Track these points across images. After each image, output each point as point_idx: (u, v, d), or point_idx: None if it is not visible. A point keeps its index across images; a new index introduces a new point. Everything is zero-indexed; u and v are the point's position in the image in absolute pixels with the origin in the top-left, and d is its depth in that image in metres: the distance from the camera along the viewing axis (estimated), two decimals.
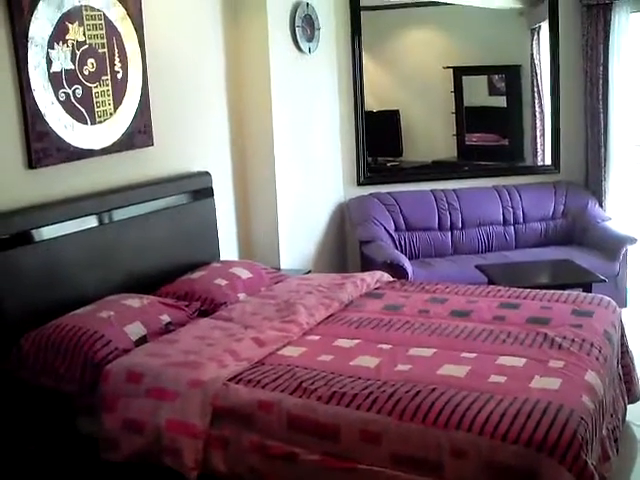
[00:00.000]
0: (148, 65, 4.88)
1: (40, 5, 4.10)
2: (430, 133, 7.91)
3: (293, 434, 3.30)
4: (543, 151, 7.55)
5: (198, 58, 5.44)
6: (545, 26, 7.26)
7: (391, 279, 5.29)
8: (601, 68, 6.92)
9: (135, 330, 4.04)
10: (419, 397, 3.25)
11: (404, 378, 3.49)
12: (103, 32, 4.53)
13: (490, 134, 7.94)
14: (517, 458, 2.91)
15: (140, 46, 4.81)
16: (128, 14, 4.70)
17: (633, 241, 6.48)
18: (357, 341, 4.03)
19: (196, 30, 5.41)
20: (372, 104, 7.17)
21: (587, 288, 5.39)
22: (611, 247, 6.50)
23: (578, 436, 2.93)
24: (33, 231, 4.07)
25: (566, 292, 4.74)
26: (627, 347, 4.52)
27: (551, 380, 3.40)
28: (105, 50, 4.56)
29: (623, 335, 4.48)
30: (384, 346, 3.93)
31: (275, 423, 3.33)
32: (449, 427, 3.07)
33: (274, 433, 3.33)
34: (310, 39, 6.18)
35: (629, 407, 4.41)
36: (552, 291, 4.76)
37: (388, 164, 7.68)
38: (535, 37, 7.41)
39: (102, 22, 4.52)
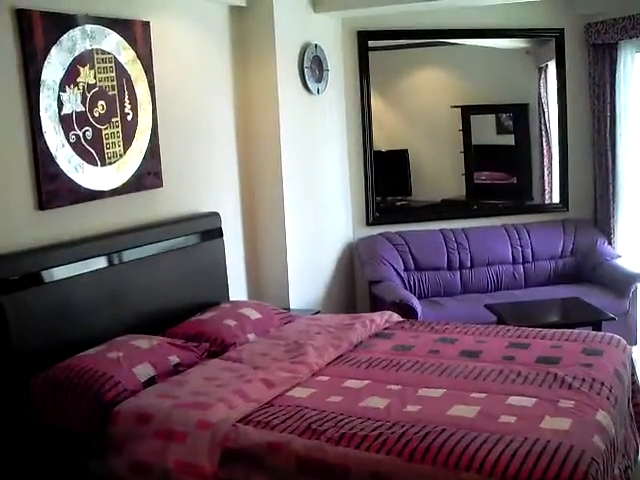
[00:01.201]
0: (158, 107, 4.93)
1: (53, 50, 4.16)
2: (439, 172, 7.90)
3: (302, 475, 3.28)
4: (551, 189, 7.56)
5: (208, 100, 5.48)
6: (552, 65, 7.32)
7: (400, 319, 5.29)
8: (608, 106, 6.97)
9: (144, 371, 4.03)
10: (429, 438, 3.24)
11: (414, 419, 3.48)
12: (113, 74, 4.59)
13: (499, 173, 7.95)
14: None
15: (150, 88, 4.86)
16: (138, 57, 4.75)
17: None
18: (366, 382, 4.02)
19: (205, 73, 5.47)
20: (381, 144, 7.19)
21: (597, 326, 5.38)
22: (621, 285, 6.49)
23: (589, 477, 2.91)
24: (43, 272, 4.08)
25: (576, 331, 4.73)
26: (638, 386, 4.49)
27: (562, 420, 3.38)
28: (115, 92, 4.60)
29: (634, 374, 4.45)
30: (393, 387, 3.92)
31: (284, 464, 3.31)
32: (459, 468, 3.05)
33: (283, 474, 3.31)
34: (319, 80, 6.23)
35: None
36: (562, 330, 4.75)
37: (397, 203, 7.68)
38: (542, 76, 7.45)
39: (112, 65, 4.57)
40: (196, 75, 5.37)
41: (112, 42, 4.57)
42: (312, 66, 6.12)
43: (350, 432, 3.36)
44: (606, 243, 7.06)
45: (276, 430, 3.45)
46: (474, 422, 3.42)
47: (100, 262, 4.44)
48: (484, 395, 3.74)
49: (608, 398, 3.68)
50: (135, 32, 4.74)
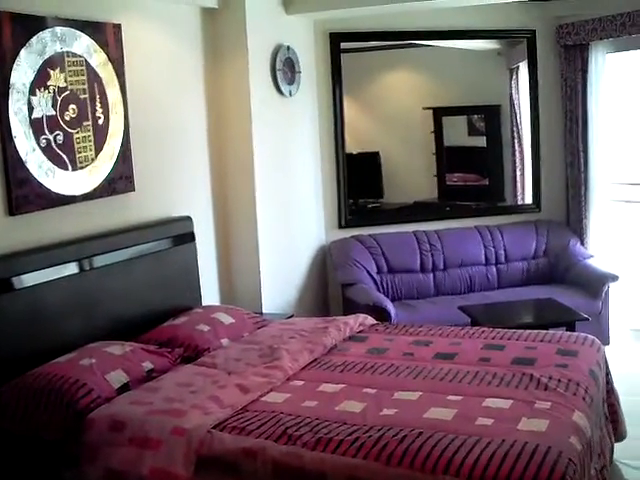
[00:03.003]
0: (130, 110, 4.89)
1: (23, 52, 4.10)
2: (411, 174, 7.90)
3: None
4: (523, 190, 7.59)
5: (179, 104, 5.45)
6: (523, 66, 7.34)
7: (374, 322, 5.27)
8: (580, 107, 7.01)
9: (117, 378, 3.99)
10: (406, 442, 3.23)
11: (390, 422, 3.46)
12: (84, 78, 4.53)
13: (470, 174, 7.96)
14: None
15: (121, 92, 4.81)
16: (109, 60, 4.70)
17: (615, 279, 6.50)
18: (342, 386, 4.00)
19: (177, 76, 5.43)
20: (352, 146, 7.18)
21: (571, 327, 5.41)
22: (593, 285, 6.52)
23: (567, 478, 2.91)
24: (14, 278, 4.02)
25: (550, 332, 4.75)
26: (612, 386, 4.52)
27: (538, 421, 3.38)
28: (86, 96, 4.55)
29: (608, 374, 4.48)
30: (369, 390, 3.91)
31: (260, 470, 3.28)
32: (437, 472, 3.04)
33: None
34: (291, 82, 6.20)
35: (616, 446, 4.40)
36: (536, 331, 4.76)
37: (369, 206, 7.66)
38: (514, 77, 7.47)
39: (83, 68, 4.52)
40: (168, 78, 5.33)
41: (83, 45, 4.51)
42: (284, 68, 6.09)
43: (326, 437, 3.34)
44: (578, 244, 7.09)
45: (252, 436, 3.42)
46: (451, 425, 3.41)
47: (72, 268, 4.39)
48: (460, 397, 3.73)
49: (584, 399, 3.69)
50: (106, 35, 4.69)
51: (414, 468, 3.08)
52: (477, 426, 3.38)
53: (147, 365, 4.20)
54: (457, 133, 7.91)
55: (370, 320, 5.26)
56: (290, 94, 6.21)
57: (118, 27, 4.79)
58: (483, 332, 4.82)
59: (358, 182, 7.22)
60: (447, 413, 3.54)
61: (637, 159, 7.19)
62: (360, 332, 5.01)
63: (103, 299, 4.58)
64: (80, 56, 4.50)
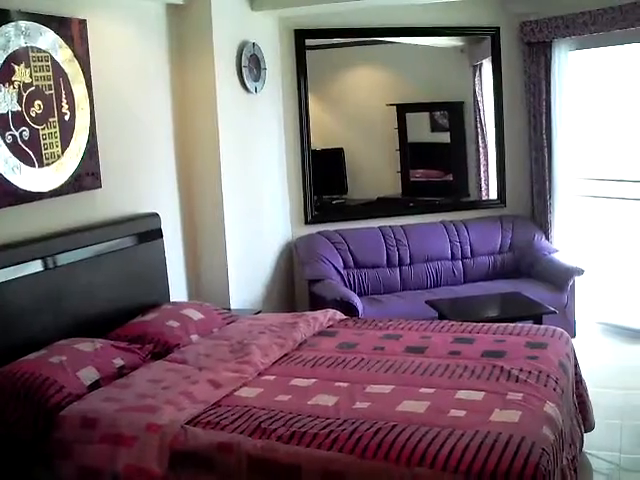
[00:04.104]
0: (96, 107, 4.84)
1: None
2: (375, 170, 7.92)
3: (254, 475, 3.26)
4: (487, 186, 7.63)
5: (146, 100, 5.42)
6: (486, 63, 7.39)
7: (343, 317, 5.29)
8: (544, 103, 7.08)
9: (88, 375, 3.97)
10: (380, 434, 3.24)
11: (364, 415, 3.48)
12: (50, 74, 4.48)
13: (434, 170, 7.99)
14: None
15: (87, 88, 4.76)
16: (75, 56, 4.65)
17: (580, 272, 6.57)
18: (313, 380, 4.01)
19: (143, 73, 5.39)
20: (316, 142, 7.16)
21: (537, 320, 5.45)
22: (559, 279, 6.58)
23: (541, 467, 2.94)
24: None
25: (519, 325, 4.79)
26: (581, 377, 4.57)
27: (511, 413, 3.41)
28: (52, 92, 4.50)
29: (576, 365, 4.53)
30: (341, 384, 3.92)
31: (235, 465, 3.28)
32: (412, 464, 3.06)
33: (234, 475, 3.28)
34: (256, 79, 6.19)
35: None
36: (505, 324, 4.80)
37: (333, 202, 7.65)
38: (477, 74, 7.52)
39: (49, 64, 4.47)
40: (134, 74, 5.30)
41: (48, 40, 4.46)
42: (250, 65, 6.08)
43: (300, 430, 3.35)
44: (543, 238, 7.16)
45: (226, 431, 3.42)
46: (424, 417, 3.43)
47: (39, 265, 4.35)
48: (433, 390, 3.76)
49: (555, 390, 3.73)
50: (72, 30, 4.64)
51: (389, 460, 3.10)
52: (450, 418, 3.40)
53: (118, 362, 4.18)
54: (421, 129, 7.94)
55: (339, 315, 5.28)
56: (256, 91, 6.20)
57: (83, 23, 4.74)
58: (452, 326, 4.86)
59: (322, 178, 7.21)
60: (420, 406, 3.56)
61: (600, 155, 7.26)
62: (330, 327, 5.03)
63: (71, 296, 4.54)
64: (45, 51, 4.45)
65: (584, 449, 4.47)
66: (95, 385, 3.94)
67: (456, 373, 3.98)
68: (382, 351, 4.45)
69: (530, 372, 3.88)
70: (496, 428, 3.24)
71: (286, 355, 4.47)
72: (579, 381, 4.54)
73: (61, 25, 4.57)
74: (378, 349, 4.49)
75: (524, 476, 2.89)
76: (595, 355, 6.22)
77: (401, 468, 3.06)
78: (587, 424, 4.53)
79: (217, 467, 3.30)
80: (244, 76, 6.00)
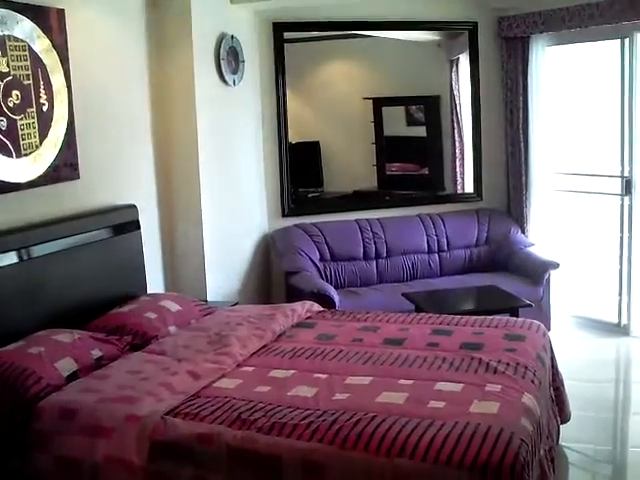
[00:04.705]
0: (74, 97, 4.81)
1: None
2: (350, 163, 7.94)
3: (234, 466, 3.25)
4: (463, 179, 7.67)
5: (124, 91, 5.39)
6: (463, 57, 7.42)
7: (321, 309, 5.31)
8: (521, 98, 7.12)
9: (66, 366, 3.95)
10: (360, 425, 3.25)
11: (343, 407, 3.48)
12: (28, 63, 4.44)
13: (410, 164, 8.02)
14: None
15: (66, 78, 4.73)
16: (53, 46, 4.62)
17: (556, 266, 6.62)
18: (292, 371, 4.02)
19: (122, 64, 5.37)
20: (292, 136, 7.13)
21: (514, 313, 5.47)
22: (534, 272, 6.63)
23: (520, 458, 2.97)
24: None
25: (496, 317, 4.82)
26: (557, 369, 4.61)
27: (490, 404, 3.43)
28: (30, 82, 4.47)
29: (553, 358, 4.56)
30: (320, 376, 3.93)
31: (215, 456, 3.28)
32: (392, 454, 3.07)
33: (214, 466, 3.28)
34: (235, 71, 6.18)
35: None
36: (482, 317, 4.83)
37: (309, 195, 7.66)
38: (454, 68, 7.55)
39: (26, 53, 4.43)
40: (112, 65, 5.27)
41: (25, 29, 4.42)
42: (228, 57, 6.07)
43: (280, 421, 3.35)
44: (519, 232, 7.20)
45: (205, 421, 3.42)
46: (404, 408, 3.45)
47: (15, 256, 4.32)
48: (412, 382, 3.77)
49: (532, 381, 3.76)
50: (50, 20, 4.60)
51: (369, 451, 3.11)
52: (430, 409, 3.42)
53: (96, 353, 4.17)
54: (397, 123, 7.96)
55: (317, 307, 5.30)
56: (234, 83, 6.19)
57: (62, 12, 4.70)
58: (430, 318, 4.88)
59: (298, 171, 7.21)
60: (399, 397, 3.58)
61: (575, 149, 7.32)
62: (308, 319, 5.04)
63: (48, 288, 4.51)
64: (23, 41, 4.41)
65: (560, 442, 4.51)
66: (73, 376, 3.92)
67: (435, 365, 4.00)
68: (360, 343, 4.46)
69: (508, 364, 3.91)
70: (475, 419, 3.26)
71: (265, 346, 4.47)
72: (555, 373, 4.58)
73: (39, 14, 4.52)
74: (356, 341, 4.50)
75: (503, 466, 2.92)
76: (570, 348, 6.28)
77: (381, 459, 3.07)
78: (563, 416, 4.58)
79: (197, 458, 3.30)
80: (222, 68, 5.99)
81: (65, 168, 4.77)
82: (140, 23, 5.55)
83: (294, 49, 6.98)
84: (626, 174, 6.61)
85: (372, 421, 3.28)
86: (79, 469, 3.42)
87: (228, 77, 6.09)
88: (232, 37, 6.11)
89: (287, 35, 6.86)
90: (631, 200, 6.61)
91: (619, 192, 6.68)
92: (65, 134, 4.76)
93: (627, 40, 6.38)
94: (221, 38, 6.00)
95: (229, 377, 3.97)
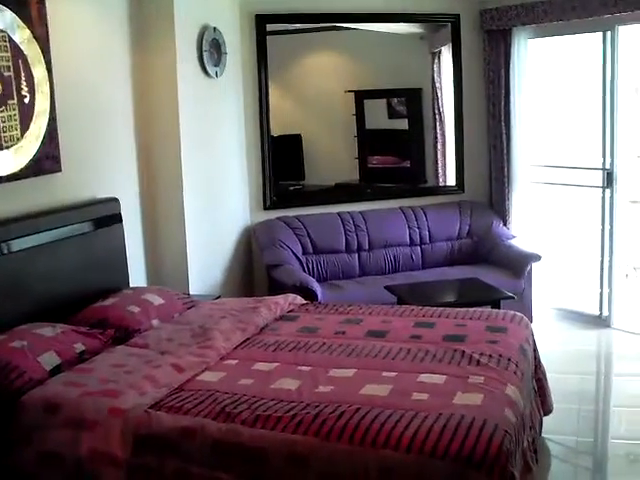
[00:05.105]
0: (56, 89, 4.77)
1: None
2: (332, 156, 7.92)
3: (218, 459, 3.25)
4: (445, 172, 7.69)
5: (106, 83, 5.36)
6: (446, 50, 7.43)
7: (304, 302, 5.31)
8: (503, 90, 7.14)
9: (49, 360, 3.93)
10: (344, 417, 3.26)
11: (327, 399, 3.49)
12: (8, 54, 4.39)
13: (392, 156, 8.02)
14: (446, 473, 2.95)
15: (47, 70, 4.68)
16: (34, 37, 4.57)
17: (537, 258, 6.65)
18: (276, 364, 4.02)
19: (104, 55, 5.34)
20: (274, 128, 7.12)
21: (496, 305, 5.50)
22: (516, 265, 6.66)
23: (504, 449, 2.99)
24: None
25: (479, 309, 4.84)
26: (539, 361, 4.64)
27: (473, 395, 3.45)
28: (11, 73, 4.42)
29: (535, 349, 4.59)
30: (304, 368, 3.93)
31: (199, 449, 3.28)
32: (376, 446, 3.08)
33: (198, 459, 3.27)
34: (217, 63, 6.15)
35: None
36: (465, 309, 4.84)
37: (290, 188, 7.63)
38: (436, 61, 7.55)
39: (7, 44, 4.38)
40: (95, 57, 5.23)
41: (5, 19, 4.36)
42: (211, 49, 6.04)
43: (265, 414, 3.35)
44: (501, 224, 7.23)
45: (189, 415, 3.42)
46: (388, 400, 3.46)
47: None
48: (395, 374, 3.78)
49: (515, 373, 3.79)
50: (30, 10, 4.54)
51: (353, 443, 3.12)
52: (413, 401, 3.43)
53: (79, 347, 4.15)
54: (379, 116, 7.95)
55: (300, 300, 5.31)
56: (216, 75, 6.17)
57: (42, 3, 4.64)
58: (412, 310, 4.90)
59: (279, 164, 7.20)
60: (383, 389, 3.59)
61: (557, 142, 7.35)
62: (290, 312, 5.04)
63: (30, 281, 4.49)
64: (3, 31, 4.35)
65: (543, 434, 4.53)
66: (56, 370, 3.90)
67: (418, 357, 4.01)
68: (343, 335, 4.47)
69: (491, 356, 3.93)
70: (459, 410, 3.27)
71: (248, 339, 4.47)
72: (538, 365, 4.60)
73: (19, 4, 4.46)
74: (339, 333, 4.51)
75: (488, 456, 2.93)
76: (551, 340, 6.31)
77: (366, 450, 3.08)
78: (546, 408, 4.60)
79: (181, 451, 3.30)
80: (205, 60, 5.97)
81: (47, 161, 4.74)
82: (122, 15, 5.51)
83: (277, 41, 6.96)
84: (607, 167, 6.64)
85: (356, 413, 3.28)
86: (63, 463, 3.41)
87: (210, 69, 6.06)
88: (214, 29, 6.09)
89: (270, 27, 6.84)
90: (612, 192, 6.66)
91: (600, 184, 6.71)
92: (47, 126, 4.72)
93: (609, 33, 6.40)
94: (203, 30, 5.97)
95: (213, 370, 3.97)
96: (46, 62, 4.69)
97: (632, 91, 7.03)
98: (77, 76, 5.05)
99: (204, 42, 5.94)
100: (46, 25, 4.69)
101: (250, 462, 3.21)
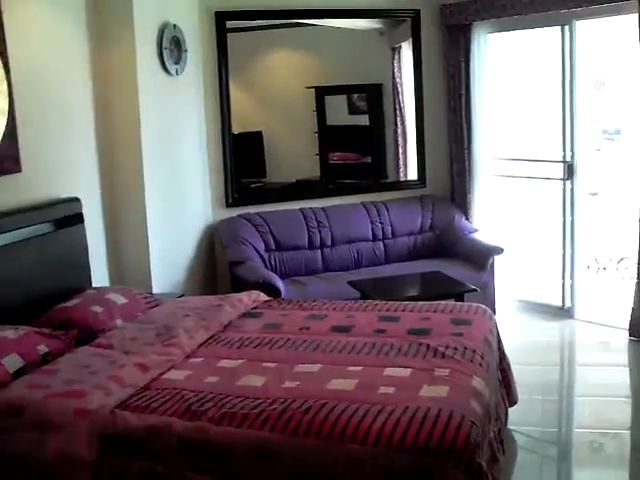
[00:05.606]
0: (14, 88, 4.71)
1: None
2: (293, 153, 7.91)
3: (186, 458, 3.24)
4: (406, 167, 7.72)
5: (65, 81, 5.31)
6: (406, 45, 7.45)
7: (267, 298, 5.31)
8: (463, 85, 7.19)
9: (12, 362, 3.88)
10: (311, 412, 3.26)
11: (293, 395, 3.49)
12: None
13: (353, 152, 8.02)
14: (414, 465, 2.96)
15: (5, 69, 4.62)
16: None
17: (500, 251, 6.70)
18: (241, 361, 4.01)
19: (62, 53, 5.28)
20: (235, 126, 7.10)
21: (459, 299, 5.53)
22: (479, 258, 6.70)
23: (471, 440, 3.01)
24: None
25: (443, 302, 4.86)
26: (504, 353, 4.67)
27: (439, 388, 3.47)
28: None
29: (499, 341, 4.62)
30: (269, 364, 3.93)
31: (165, 448, 3.27)
32: (344, 440, 3.08)
33: (165, 458, 3.26)
34: (177, 61, 6.12)
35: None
36: (429, 302, 4.87)
37: (252, 185, 7.61)
38: (396, 56, 7.57)
39: None
40: (53, 55, 5.17)
41: None
42: (171, 47, 6.01)
43: (231, 411, 3.34)
44: (463, 218, 7.27)
45: (156, 414, 3.40)
46: (354, 394, 3.46)
47: None
48: (361, 368, 3.80)
49: (481, 365, 3.81)
50: None
51: (321, 437, 3.12)
52: (380, 395, 3.44)
53: (42, 348, 4.11)
54: (339, 112, 7.94)
55: (263, 296, 5.30)
56: (177, 73, 6.14)
57: None
58: (376, 305, 4.91)
59: (240, 162, 7.18)
60: (349, 383, 3.60)
61: (517, 135, 7.41)
62: (254, 308, 5.04)
63: None
64: None
65: (508, 425, 4.57)
66: (20, 372, 3.86)
67: (383, 351, 4.02)
68: (308, 331, 4.48)
69: (456, 348, 3.96)
70: (425, 403, 3.29)
71: (212, 337, 4.46)
72: (502, 357, 4.64)
73: None
74: (304, 329, 4.51)
75: (455, 448, 2.95)
76: (515, 332, 6.38)
77: (334, 445, 3.08)
78: (511, 399, 4.64)
79: (148, 450, 3.28)
80: (165, 58, 5.93)
81: (6, 161, 4.67)
82: (81, 11, 5.45)
83: (237, 38, 6.95)
84: (568, 159, 6.71)
85: (323, 408, 3.29)
86: (28, 467, 3.36)
87: (171, 67, 6.03)
88: (174, 26, 6.06)
89: (230, 24, 6.82)
90: (573, 184, 6.72)
91: (561, 177, 6.77)
92: (6, 126, 4.64)
93: (567, 27, 6.46)
94: (163, 27, 5.94)
95: (178, 368, 3.95)
96: (3, 60, 4.62)
97: (590, 85, 7.10)
98: (36, 75, 4.99)
99: (164, 40, 5.91)
100: (2, 23, 4.61)
101: (218, 460, 3.20)
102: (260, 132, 7.67)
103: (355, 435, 3.08)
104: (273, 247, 6.85)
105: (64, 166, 5.30)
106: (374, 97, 7.82)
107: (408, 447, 2.99)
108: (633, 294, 6.20)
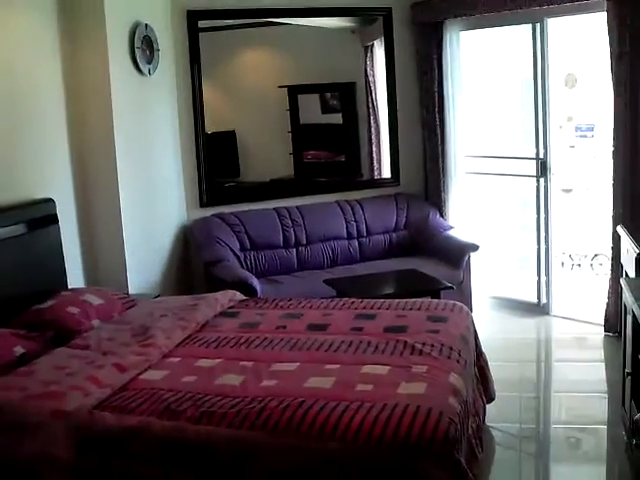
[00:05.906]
0: None
1: None
2: (267, 152, 7.90)
3: (164, 458, 3.24)
4: (380, 165, 7.74)
5: (37, 82, 5.27)
6: (378, 44, 7.46)
7: (244, 297, 5.31)
8: (436, 83, 7.20)
9: None
10: (289, 410, 3.27)
11: (271, 393, 3.50)
12: None
13: (326, 151, 8.03)
14: (393, 462, 2.98)
15: None
16: None
17: (475, 248, 6.72)
18: (218, 360, 4.02)
19: (33, 53, 5.23)
20: (208, 125, 7.08)
21: (435, 296, 5.54)
22: (454, 255, 6.72)
23: (450, 436, 3.03)
24: None
25: (419, 300, 4.88)
26: (480, 349, 4.69)
27: (417, 385, 3.49)
28: None
29: (476, 338, 4.64)
30: (246, 363, 3.93)
31: (144, 448, 3.27)
32: (323, 438, 3.10)
33: (144, 458, 3.26)
34: (150, 61, 6.10)
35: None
36: (405, 300, 4.88)
37: (226, 185, 7.59)
38: (369, 55, 7.59)
39: None
40: (24, 55, 5.12)
41: None
42: (143, 46, 5.98)
43: (209, 410, 3.35)
44: (438, 215, 7.29)
45: (134, 414, 3.40)
46: (332, 392, 3.47)
47: None
48: (338, 366, 3.81)
49: (458, 361, 3.84)
50: None
51: (300, 436, 3.13)
52: (358, 392, 3.45)
53: (18, 350, 4.09)
54: (313, 111, 7.95)
55: (239, 296, 5.31)
56: (149, 73, 6.11)
57: None
58: (353, 303, 4.92)
59: (214, 161, 7.17)
60: (326, 381, 3.61)
61: (490, 132, 7.44)
62: (230, 308, 5.04)
63: None
64: None
65: (486, 422, 4.59)
66: None
67: (360, 349, 4.03)
68: (285, 330, 4.48)
69: (433, 345, 3.97)
70: (403, 400, 3.30)
71: (189, 337, 4.46)
72: (479, 353, 4.66)
73: None
74: (280, 328, 4.52)
75: (434, 444, 2.97)
76: (491, 329, 6.38)
77: (312, 443, 3.10)
78: (488, 395, 4.66)
79: (126, 451, 3.28)
80: (137, 57, 5.90)
81: None
82: (51, 11, 5.41)
83: (210, 38, 6.94)
84: (541, 156, 6.74)
85: (301, 406, 3.29)
86: (4, 468, 3.35)
87: (143, 66, 6.01)
88: (146, 26, 6.03)
89: (202, 24, 6.81)
90: (546, 182, 6.76)
91: (534, 174, 6.80)
92: None
93: (538, 25, 6.50)
94: (135, 27, 5.91)
95: (155, 368, 3.95)
96: None
97: (562, 82, 7.15)
98: (6, 76, 4.95)
99: (136, 39, 5.88)
100: None
101: (197, 459, 3.20)
102: (234, 131, 7.66)
103: (334, 432, 3.09)
104: (248, 246, 6.84)
105: (37, 167, 5.26)
106: (347, 96, 7.83)
107: (387, 444, 3.00)
108: (607, 290, 6.24)
